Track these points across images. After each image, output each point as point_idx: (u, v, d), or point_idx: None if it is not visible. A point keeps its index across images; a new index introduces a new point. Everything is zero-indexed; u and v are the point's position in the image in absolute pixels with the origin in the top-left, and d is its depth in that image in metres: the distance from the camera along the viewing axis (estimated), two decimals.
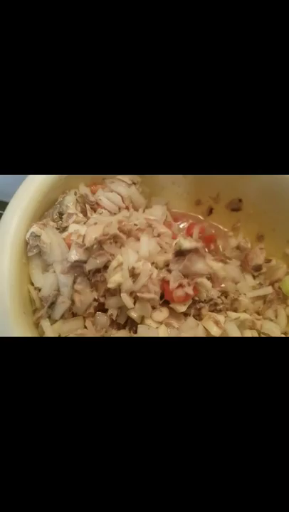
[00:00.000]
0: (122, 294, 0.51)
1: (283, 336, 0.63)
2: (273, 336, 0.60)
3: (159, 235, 0.57)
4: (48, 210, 0.61)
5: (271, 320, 0.62)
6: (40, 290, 0.55)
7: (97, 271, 0.54)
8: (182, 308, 0.52)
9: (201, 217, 0.72)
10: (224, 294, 0.57)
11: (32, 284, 0.56)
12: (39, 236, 0.54)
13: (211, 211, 0.70)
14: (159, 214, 0.64)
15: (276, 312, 0.64)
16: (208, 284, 0.53)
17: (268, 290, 0.64)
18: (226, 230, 0.70)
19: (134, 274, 0.51)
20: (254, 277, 0.66)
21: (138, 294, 0.51)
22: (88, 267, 0.53)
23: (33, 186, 0.57)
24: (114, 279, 0.52)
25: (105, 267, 0.54)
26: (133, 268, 0.51)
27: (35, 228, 0.54)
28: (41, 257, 0.56)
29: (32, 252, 0.55)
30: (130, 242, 0.55)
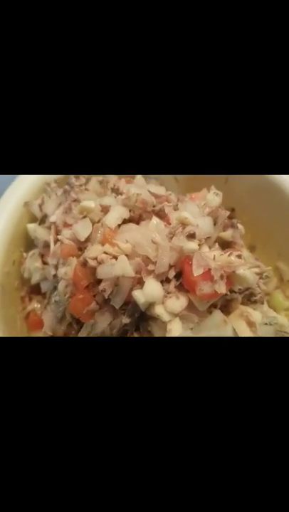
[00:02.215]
0: (120, 257, 0.37)
1: None
2: None
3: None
4: None
5: None
6: None
7: None
8: (203, 306, 0.37)
9: None
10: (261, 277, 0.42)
11: None
12: None
13: None
14: None
15: None
16: (252, 277, 0.38)
17: None
18: None
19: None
20: None
21: (137, 250, 0.37)
22: None
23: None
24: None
25: None
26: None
27: None
28: None
29: None
30: None
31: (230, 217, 0.61)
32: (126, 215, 0.43)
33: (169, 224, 0.41)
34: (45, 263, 0.51)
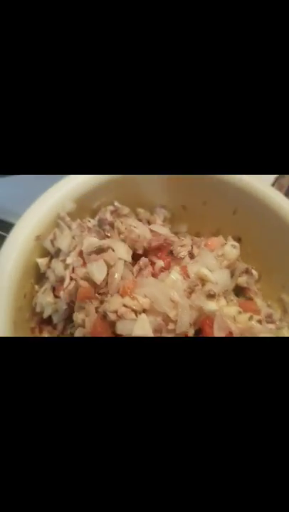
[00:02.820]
0: (140, 317, 0.37)
1: None
2: None
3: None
4: None
5: None
6: None
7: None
8: None
9: None
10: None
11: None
12: None
13: None
14: None
15: None
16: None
17: None
18: None
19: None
20: None
21: (155, 306, 0.37)
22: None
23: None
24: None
25: None
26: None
27: None
28: None
29: None
30: None
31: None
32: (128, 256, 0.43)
33: (187, 275, 0.41)
34: (56, 296, 0.51)
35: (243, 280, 0.44)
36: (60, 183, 0.51)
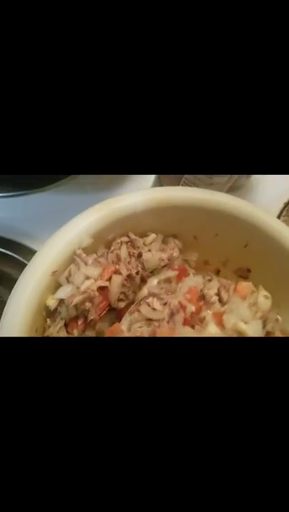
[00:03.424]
0: None
1: None
2: None
3: None
4: None
5: None
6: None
7: None
8: None
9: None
10: None
11: None
12: None
13: (218, 272, 0.64)
14: None
15: None
16: None
17: None
18: None
19: None
20: None
21: None
22: None
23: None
24: None
25: None
26: None
27: None
28: None
29: None
30: None
31: (245, 277, 0.63)
32: None
33: (221, 325, 0.41)
34: (69, 333, 0.50)
35: (268, 327, 0.45)
36: (78, 217, 0.50)
